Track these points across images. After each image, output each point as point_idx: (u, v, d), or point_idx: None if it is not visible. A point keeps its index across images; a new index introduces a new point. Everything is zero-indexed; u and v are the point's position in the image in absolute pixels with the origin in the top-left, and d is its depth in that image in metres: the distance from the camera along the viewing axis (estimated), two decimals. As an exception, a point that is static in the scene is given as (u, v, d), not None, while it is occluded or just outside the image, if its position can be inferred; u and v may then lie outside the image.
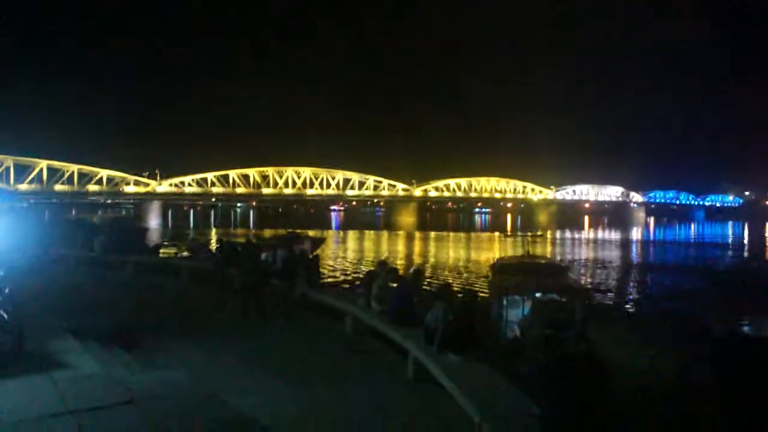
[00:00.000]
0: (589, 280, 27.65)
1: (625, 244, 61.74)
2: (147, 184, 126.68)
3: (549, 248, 47.42)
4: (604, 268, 34.00)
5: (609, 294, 23.80)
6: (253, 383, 8.23)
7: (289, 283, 13.70)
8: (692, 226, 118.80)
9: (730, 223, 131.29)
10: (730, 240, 72.59)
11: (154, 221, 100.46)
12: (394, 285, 10.97)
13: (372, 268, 13.54)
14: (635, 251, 53.75)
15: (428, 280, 24.37)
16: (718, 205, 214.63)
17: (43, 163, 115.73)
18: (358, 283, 21.94)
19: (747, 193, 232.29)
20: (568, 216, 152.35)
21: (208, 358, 9.34)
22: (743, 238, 76.84)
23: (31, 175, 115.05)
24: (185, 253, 29.22)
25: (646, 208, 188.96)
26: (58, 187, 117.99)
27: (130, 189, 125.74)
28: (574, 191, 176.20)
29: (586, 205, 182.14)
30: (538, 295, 13.07)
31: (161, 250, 30.82)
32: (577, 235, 72.89)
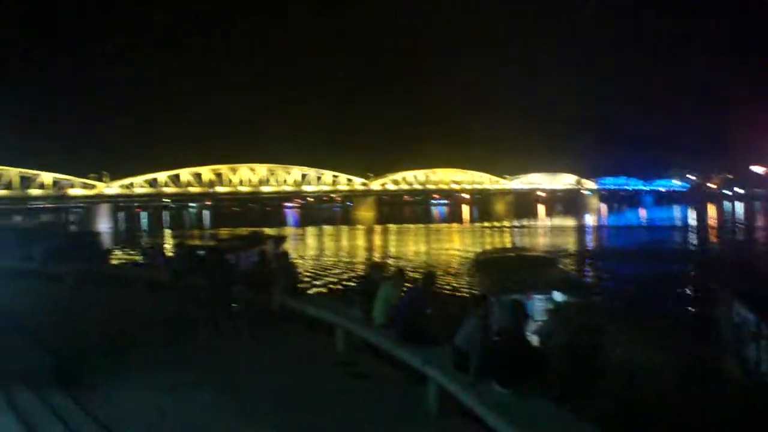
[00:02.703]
0: (578, 271, 26.33)
1: (592, 230, 61.30)
2: (94, 186, 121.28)
3: (522, 239, 46.25)
4: (584, 258, 32.87)
5: (606, 286, 22.42)
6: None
7: (265, 293, 11.81)
8: (644, 211, 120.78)
9: (677, 207, 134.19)
10: (694, 222, 73.23)
11: (104, 225, 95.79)
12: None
13: (367, 272, 11.75)
14: (607, 237, 53.15)
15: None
16: (663, 190, 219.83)
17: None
18: (341, 288, 19.86)
19: (693, 177, 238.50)
20: (523, 205, 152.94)
21: (176, 400, 7.33)
22: (698, 221, 77.94)
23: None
24: (139, 260, 26.67)
25: (599, 194, 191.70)
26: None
27: (76, 192, 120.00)
28: (528, 180, 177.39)
29: (541, 194, 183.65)
30: (563, 297, 11.45)
31: (114, 257, 28.45)
32: (540, 224, 72.51)
